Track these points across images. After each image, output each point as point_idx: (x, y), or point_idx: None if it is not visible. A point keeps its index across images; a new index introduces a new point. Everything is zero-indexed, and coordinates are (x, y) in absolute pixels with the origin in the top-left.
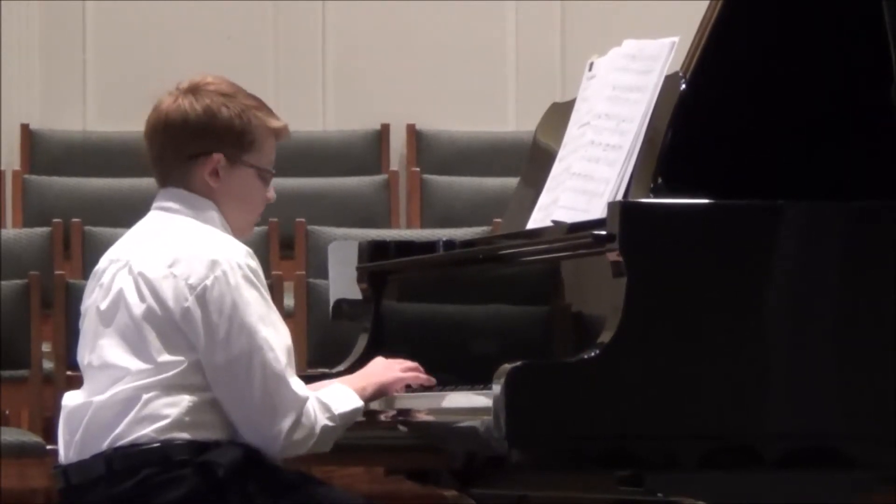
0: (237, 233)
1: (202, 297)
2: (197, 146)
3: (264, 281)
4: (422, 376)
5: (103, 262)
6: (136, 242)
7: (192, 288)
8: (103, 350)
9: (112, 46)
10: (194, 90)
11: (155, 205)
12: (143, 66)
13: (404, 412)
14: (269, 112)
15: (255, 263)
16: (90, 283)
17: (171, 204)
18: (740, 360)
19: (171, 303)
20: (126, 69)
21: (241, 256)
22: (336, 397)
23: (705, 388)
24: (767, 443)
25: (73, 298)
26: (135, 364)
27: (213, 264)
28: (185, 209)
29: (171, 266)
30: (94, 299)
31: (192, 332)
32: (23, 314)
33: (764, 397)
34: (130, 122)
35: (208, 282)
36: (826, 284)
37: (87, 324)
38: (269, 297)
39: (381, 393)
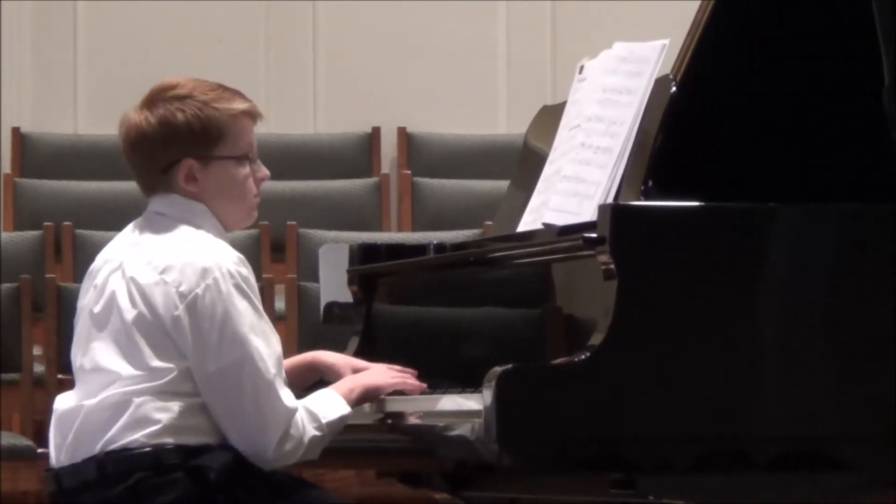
0: (237, 223)
1: (192, 306)
2: (164, 157)
3: (256, 289)
4: (411, 382)
5: (98, 260)
6: (130, 244)
7: (182, 296)
8: (95, 353)
9: (103, 50)
10: (149, 102)
11: (149, 207)
12: (134, 70)
13: (395, 415)
14: (232, 97)
15: (246, 271)
16: (85, 283)
17: (164, 209)
18: (732, 362)
19: (161, 310)
20: (117, 72)
21: (233, 264)
22: (323, 405)
23: (697, 390)
24: (760, 446)
25: (64, 302)
26: (126, 369)
27: (205, 272)
28: (178, 214)
29: (162, 273)
30: (89, 301)
31: (181, 341)
32: (14, 318)
33: (756, 400)
34: None
35: (199, 290)
36: (817, 287)
37: (81, 325)
38: (260, 306)
39: (369, 397)
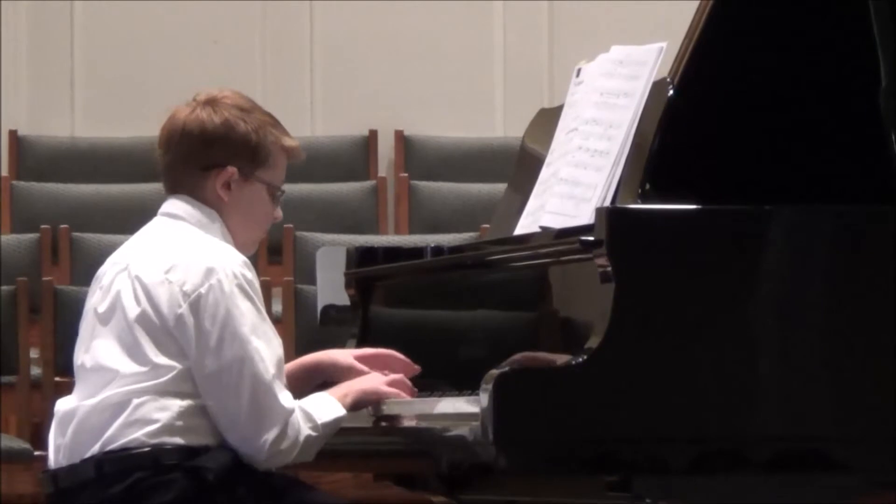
0: (241, 249)
1: (196, 305)
2: (212, 157)
3: (259, 291)
4: (405, 392)
5: (106, 264)
6: (137, 247)
7: (186, 295)
8: (97, 351)
9: (100, 52)
10: (212, 102)
11: (161, 211)
12: (131, 72)
13: (393, 418)
14: (284, 130)
15: (250, 274)
16: (92, 286)
17: (176, 211)
18: (729, 364)
19: (164, 308)
20: (114, 75)
21: (237, 266)
22: (319, 407)
23: (694, 392)
24: (756, 446)
25: (61, 304)
26: (126, 366)
27: (209, 272)
28: (190, 217)
29: (167, 272)
30: (94, 301)
31: (183, 339)
32: (11, 320)
33: (752, 401)
34: (118, 128)
35: (203, 289)
36: (813, 288)
37: (85, 325)
38: (263, 308)
39: (363, 401)
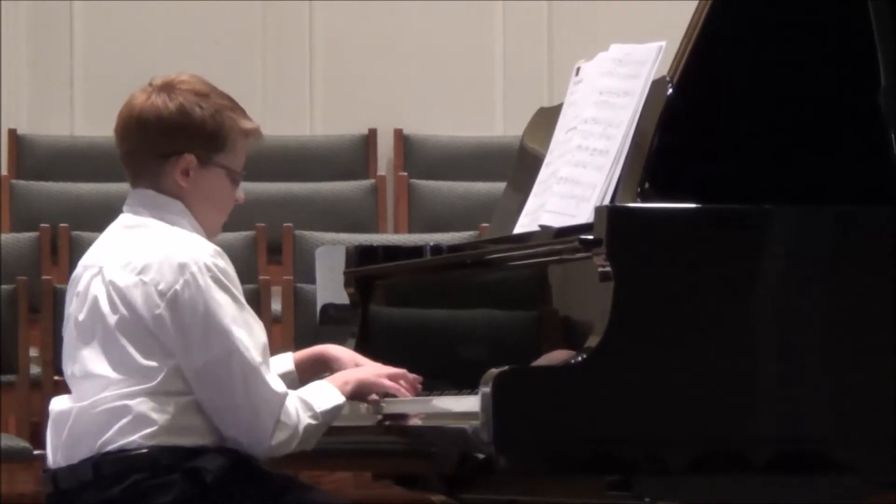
0: (205, 234)
1: (173, 303)
2: (169, 145)
3: (235, 279)
4: (405, 387)
5: (79, 267)
6: (107, 247)
7: (162, 294)
8: (85, 361)
9: (99, 52)
10: (168, 88)
11: (125, 207)
12: (131, 72)
13: (392, 417)
14: (242, 113)
15: (223, 262)
16: (68, 291)
17: (140, 206)
18: (729, 363)
19: (142, 311)
20: (113, 74)
21: (209, 257)
22: (317, 395)
23: (693, 392)
24: (756, 447)
25: (60, 303)
26: (116, 373)
27: (182, 268)
28: (153, 211)
29: (140, 273)
30: (74, 309)
31: (166, 339)
32: (10, 319)
33: (752, 401)
34: None
35: (178, 286)
36: (813, 288)
37: (68, 334)
38: (240, 295)
39: (362, 390)
